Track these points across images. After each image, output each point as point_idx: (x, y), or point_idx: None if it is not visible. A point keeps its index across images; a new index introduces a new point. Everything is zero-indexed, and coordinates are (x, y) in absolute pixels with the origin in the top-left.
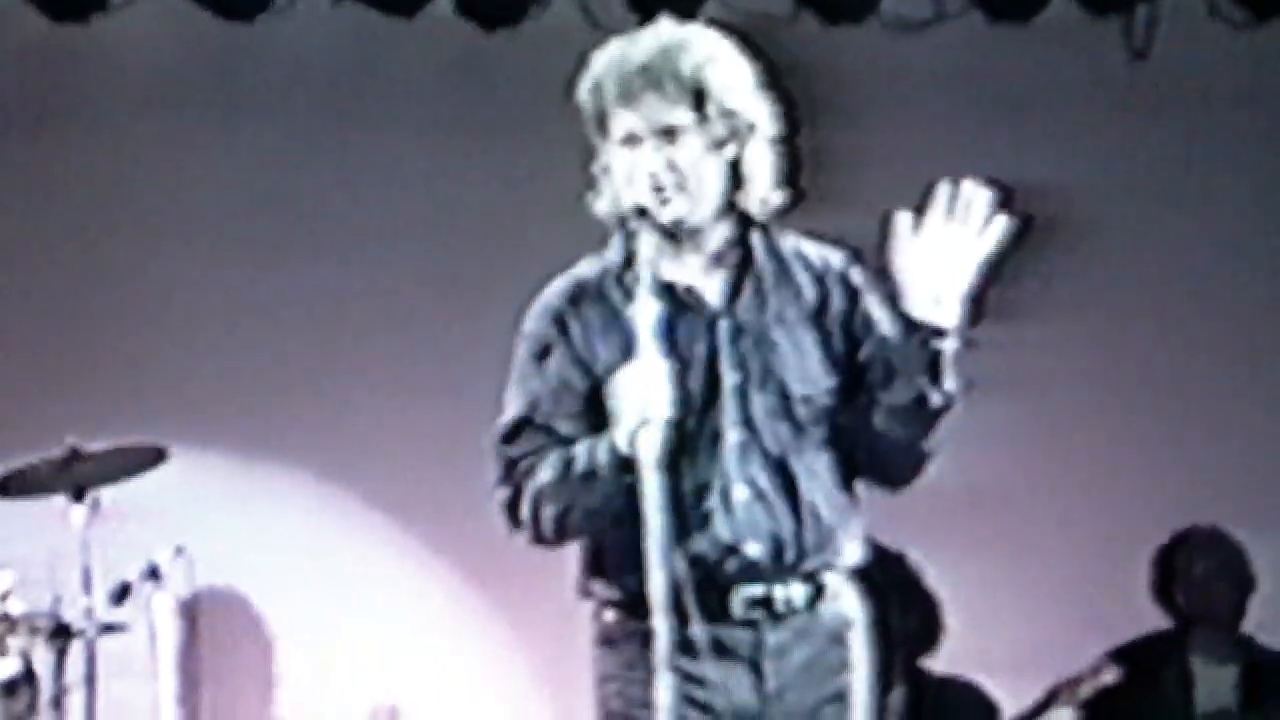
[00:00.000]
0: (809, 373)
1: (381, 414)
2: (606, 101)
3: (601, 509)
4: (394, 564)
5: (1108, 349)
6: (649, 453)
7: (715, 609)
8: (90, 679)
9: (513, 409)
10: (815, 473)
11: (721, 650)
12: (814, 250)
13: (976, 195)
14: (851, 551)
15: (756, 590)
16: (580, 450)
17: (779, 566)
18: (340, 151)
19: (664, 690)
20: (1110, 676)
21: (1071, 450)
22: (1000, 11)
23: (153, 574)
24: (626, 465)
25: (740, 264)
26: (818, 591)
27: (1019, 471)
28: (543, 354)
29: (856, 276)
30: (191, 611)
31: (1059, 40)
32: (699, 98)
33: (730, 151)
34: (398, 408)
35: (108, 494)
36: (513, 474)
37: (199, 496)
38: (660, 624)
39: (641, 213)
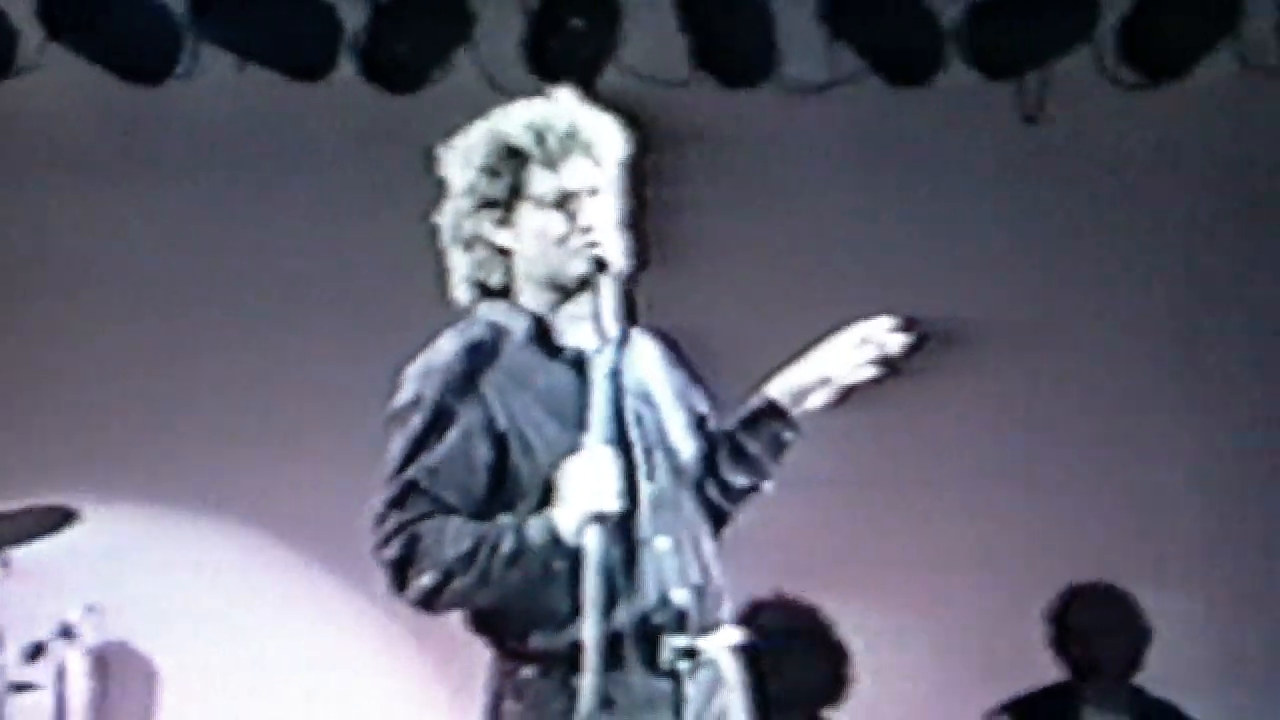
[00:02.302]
0: (680, 436)
1: (296, 469)
2: (529, 161)
3: (524, 585)
4: (313, 620)
5: (1004, 404)
6: (595, 543)
7: (645, 659)
8: None
9: (403, 474)
10: (704, 531)
11: (645, 702)
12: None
13: (887, 337)
14: (726, 613)
15: (683, 641)
16: (505, 527)
17: (703, 616)
18: (248, 212)
19: None
20: None
21: (972, 504)
22: (897, 75)
23: (65, 633)
24: (563, 547)
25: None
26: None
27: (921, 525)
28: (438, 421)
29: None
30: (104, 669)
31: (954, 104)
32: (606, 166)
33: None
34: (310, 464)
35: (18, 554)
36: (397, 536)
37: (110, 555)
38: (588, 682)
39: (600, 267)
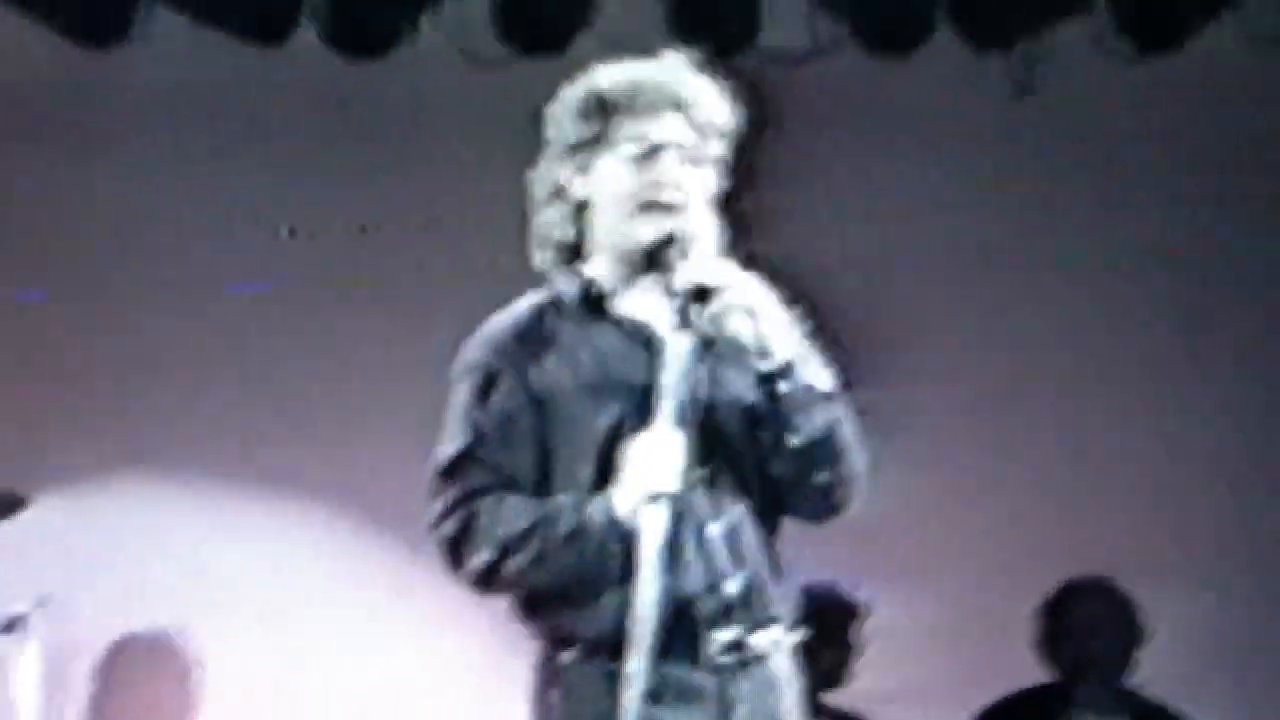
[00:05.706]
0: (738, 416)
1: (249, 452)
2: (618, 111)
3: (579, 566)
4: (274, 607)
5: (1000, 394)
6: (653, 525)
7: (688, 651)
8: None
9: (455, 442)
10: (764, 520)
11: (687, 696)
12: None
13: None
14: (787, 608)
15: (731, 634)
16: (564, 506)
17: (755, 609)
18: (202, 178)
19: None
20: None
21: (966, 496)
22: (880, 45)
23: (11, 625)
24: (620, 529)
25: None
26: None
27: (913, 518)
28: (487, 386)
29: None
30: (56, 661)
31: (941, 74)
32: (706, 134)
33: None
34: (267, 450)
35: None
36: (455, 512)
37: (63, 544)
38: (636, 671)
39: (670, 240)
